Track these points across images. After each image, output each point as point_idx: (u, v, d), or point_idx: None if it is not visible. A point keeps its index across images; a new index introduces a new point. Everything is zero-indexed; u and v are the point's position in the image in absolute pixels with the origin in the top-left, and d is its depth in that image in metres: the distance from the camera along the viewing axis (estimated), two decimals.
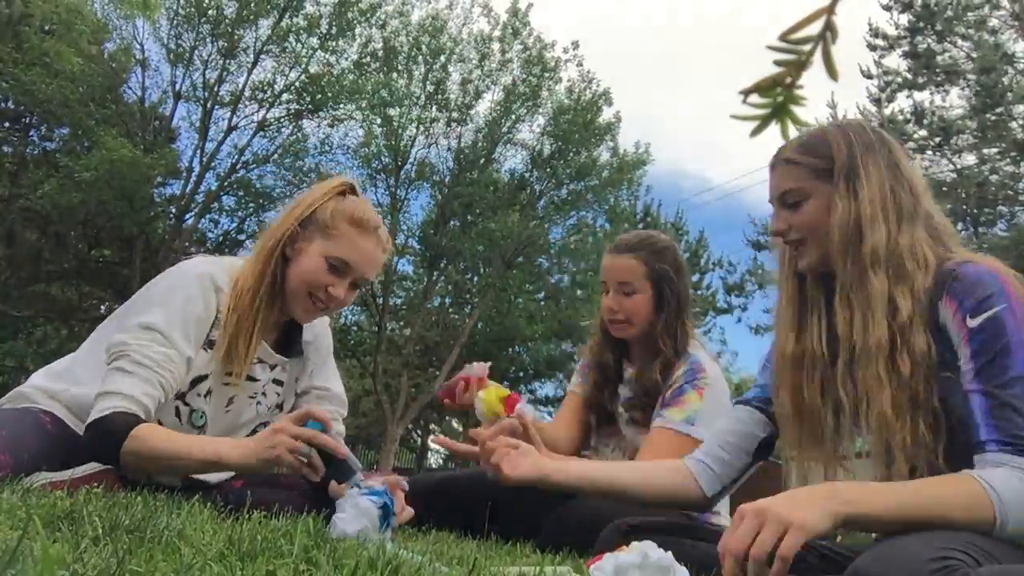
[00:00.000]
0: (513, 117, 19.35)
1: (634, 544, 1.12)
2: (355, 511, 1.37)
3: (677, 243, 2.43)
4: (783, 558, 1.05)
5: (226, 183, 18.09)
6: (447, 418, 24.81)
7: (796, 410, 1.46)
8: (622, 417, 2.28)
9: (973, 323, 1.23)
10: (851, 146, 1.40)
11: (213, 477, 1.79)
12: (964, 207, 16.76)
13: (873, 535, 1.47)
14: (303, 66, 17.69)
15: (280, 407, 1.95)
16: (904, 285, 1.31)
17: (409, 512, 1.64)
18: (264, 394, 1.90)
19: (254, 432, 1.91)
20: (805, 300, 1.48)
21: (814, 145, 1.43)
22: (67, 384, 1.78)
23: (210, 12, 16.75)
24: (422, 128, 19.18)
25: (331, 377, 2.04)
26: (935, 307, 1.30)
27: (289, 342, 1.93)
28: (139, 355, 1.62)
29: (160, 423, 1.73)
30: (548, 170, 19.60)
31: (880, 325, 1.29)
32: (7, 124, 18.34)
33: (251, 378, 1.85)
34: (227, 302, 1.76)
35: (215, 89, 17.48)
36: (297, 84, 17.79)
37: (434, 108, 19.15)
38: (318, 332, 2.01)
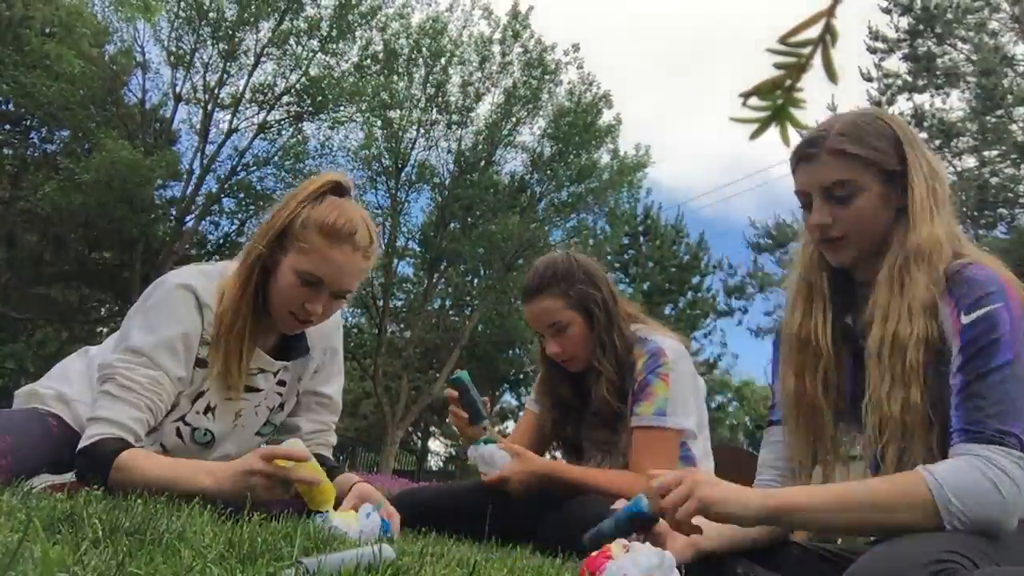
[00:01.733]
0: (513, 119, 19.35)
1: (633, 544, 1.14)
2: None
3: (568, 250, 2.35)
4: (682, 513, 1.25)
5: (226, 185, 18.09)
6: (447, 420, 24.78)
7: (797, 397, 1.45)
8: (593, 441, 2.24)
9: (967, 319, 1.23)
10: (895, 137, 1.37)
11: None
12: (964, 209, 16.76)
13: (871, 537, 1.47)
14: (303, 68, 17.70)
15: (282, 407, 1.94)
16: (933, 279, 1.30)
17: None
18: (266, 398, 1.90)
19: (257, 435, 1.91)
20: (814, 291, 1.46)
21: (865, 136, 1.37)
22: (75, 393, 1.80)
23: (210, 15, 16.75)
24: (422, 130, 19.19)
25: (334, 381, 2.01)
26: (936, 305, 1.30)
27: (289, 345, 1.89)
28: (125, 379, 1.62)
29: (163, 446, 1.73)
30: (548, 172, 19.60)
31: (918, 317, 1.28)
32: (8, 126, 18.35)
33: (254, 388, 1.84)
34: (212, 319, 1.73)
35: (215, 91, 17.49)
36: (297, 86, 17.80)
37: (434, 110, 19.16)
38: (324, 330, 1.93)
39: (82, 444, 1.59)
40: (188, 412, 1.75)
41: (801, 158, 1.41)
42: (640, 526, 1.38)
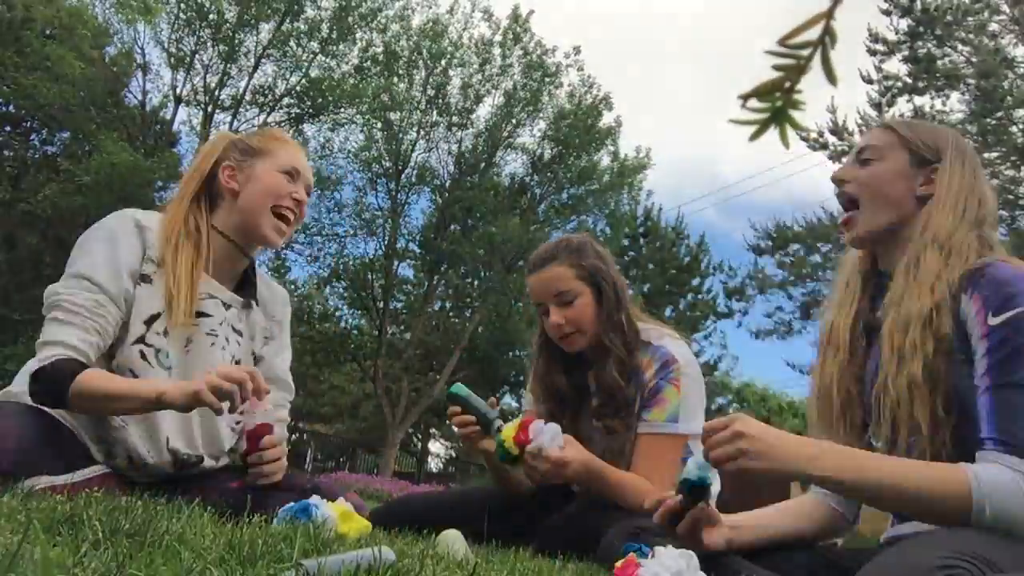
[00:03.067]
0: (514, 121, 19.37)
1: (657, 550, 1.15)
2: None
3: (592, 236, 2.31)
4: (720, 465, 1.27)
5: None
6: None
7: (821, 391, 1.52)
8: (595, 431, 2.10)
9: (995, 320, 1.22)
10: (947, 141, 1.46)
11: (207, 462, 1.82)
12: None
13: (880, 539, 1.47)
14: (304, 70, 17.72)
15: (238, 363, 1.91)
16: (948, 272, 1.33)
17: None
18: (226, 339, 1.88)
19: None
20: (847, 291, 1.55)
21: (918, 126, 1.49)
22: None
23: (211, 16, 16.77)
24: (423, 132, 19.22)
25: (281, 357, 2.03)
26: (957, 300, 1.30)
27: (244, 286, 1.96)
28: (70, 303, 1.66)
29: (132, 373, 1.73)
30: (549, 174, 19.62)
31: (926, 297, 1.31)
32: (8, 128, 18.36)
33: (203, 314, 1.84)
34: (154, 240, 1.79)
35: (216, 93, 17.50)
36: (298, 88, 17.81)
37: (435, 112, 19.18)
38: (275, 293, 2.05)
39: (36, 366, 1.62)
40: (147, 333, 1.75)
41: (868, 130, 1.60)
42: (700, 496, 1.37)
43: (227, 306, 1.89)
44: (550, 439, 1.81)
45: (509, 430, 1.85)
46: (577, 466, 1.84)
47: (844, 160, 1.55)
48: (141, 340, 1.75)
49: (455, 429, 2.06)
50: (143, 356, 1.75)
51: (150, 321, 1.76)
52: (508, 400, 23.71)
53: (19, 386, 1.81)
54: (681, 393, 2.01)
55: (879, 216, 1.44)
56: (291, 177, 1.92)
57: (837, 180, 1.48)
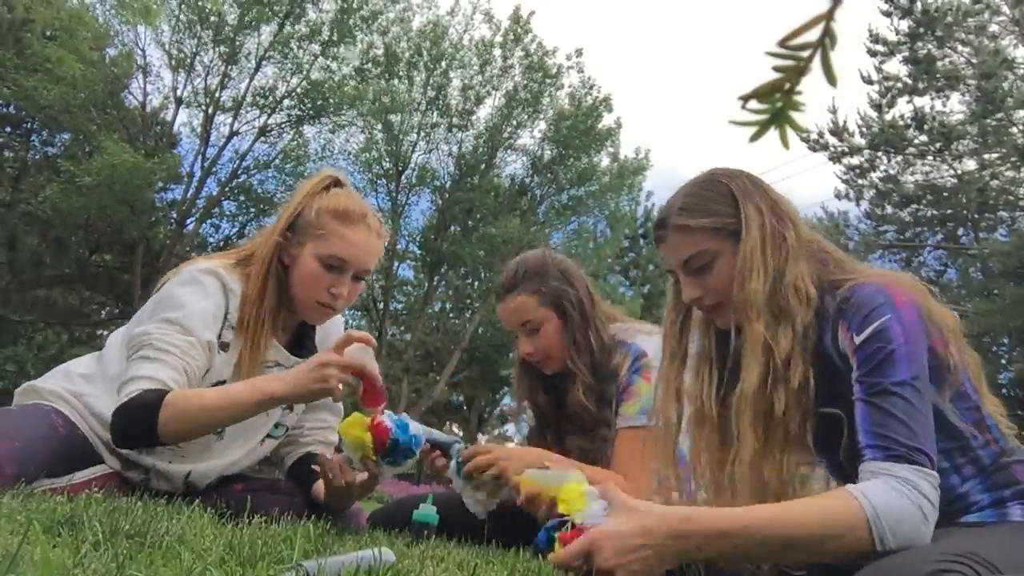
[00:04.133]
0: (514, 123, 19.38)
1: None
2: None
3: (544, 248, 2.27)
4: None
5: (227, 188, 18.12)
6: (448, 422, 24.78)
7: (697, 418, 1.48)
8: (574, 447, 2.12)
9: (859, 338, 1.24)
10: (735, 194, 1.38)
11: (214, 470, 1.80)
12: (965, 212, 16.77)
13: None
14: (304, 72, 17.73)
15: (291, 408, 1.93)
16: (786, 324, 1.30)
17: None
18: None
19: (267, 437, 1.91)
20: (704, 355, 1.48)
21: (708, 199, 1.39)
22: (90, 390, 1.77)
23: (212, 18, 16.78)
24: (423, 133, 19.23)
25: None
26: (832, 336, 1.30)
27: (302, 342, 1.91)
28: (161, 343, 1.63)
29: None
30: (549, 175, 19.63)
31: (753, 371, 1.29)
32: (9, 129, 18.37)
33: None
34: (236, 304, 1.76)
35: (216, 95, 17.51)
36: (298, 90, 17.82)
37: (435, 114, 19.19)
38: (329, 330, 1.98)
39: (120, 403, 1.57)
40: None
41: (656, 240, 1.46)
42: None
43: (288, 368, 1.86)
44: (471, 502, 1.84)
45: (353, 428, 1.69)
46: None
47: (671, 272, 1.45)
48: None
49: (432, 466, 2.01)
50: None
51: (213, 385, 1.74)
52: (508, 402, 23.70)
53: (44, 381, 1.81)
54: (651, 384, 2.01)
55: (737, 301, 1.38)
56: (334, 268, 1.78)
57: (694, 301, 1.41)
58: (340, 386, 1.57)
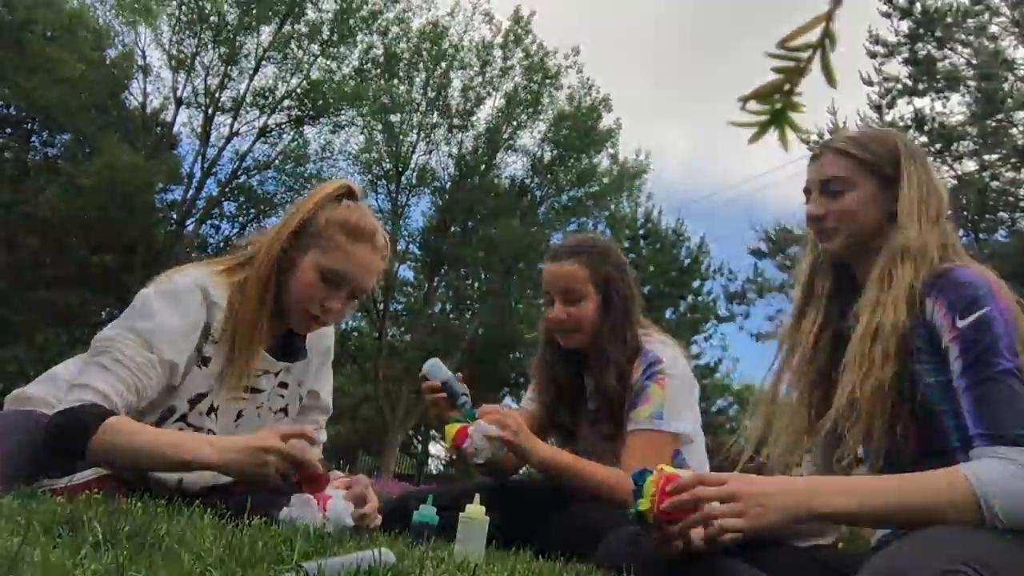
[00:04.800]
0: (514, 123, 19.40)
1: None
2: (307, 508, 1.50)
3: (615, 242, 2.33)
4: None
5: (227, 189, 18.13)
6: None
7: (786, 400, 1.59)
8: (591, 433, 2.15)
9: (963, 323, 1.31)
10: (899, 148, 1.51)
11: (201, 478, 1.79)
12: (965, 213, 16.76)
13: (871, 542, 1.47)
14: (304, 72, 17.74)
15: (285, 411, 1.92)
16: (918, 276, 1.40)
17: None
18: (268, 399, 1.88)
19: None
20: (812, 298, 1.59)
21: (869, 141, 1.53)
22: (62, 395, 1.75)
23: (212, 19, 16.80)
24: (423, 134, 19.24)
25: (324, 382, 2.01)
26: (923, 303, 1.38)
27: (290, 346, 1.88)
28: (120, 354, 1.58)
29: None
30: (549, 176, 19.64)
31: (901, 307, 1.38)
32: (9, 130, 18.37)
33: (256, 389, 1.82)
34: (221, 317, 1.71)
35: (216, 95, 17.53)
36: (298, 90, 17.84)
37: (435, 114, 19.21)
38: (322, 331, 1.94)
39: (62, 406, 1.53)
40: (189, 413, 1.73)
41: (811, 158, 1.59)
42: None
43: (277, 374, 1.85)
44: (480, 439, 1.91)
45: (450, 430, 1.97)
46: (535, 458, 1.96)
47: (808, 190, 1.58)
48: (183, 419, 1.72)
49: (428, 398, 2.12)
50: None
51: (195, 400, 1.72)
52: (508, 402, 23.70)
53: (34, 388, 1.81)
54: (665, 391, 2.04)
55: (856, 236, 1.51)
56: (332, 283, 1.73)
57: (815, 218, 1.53)
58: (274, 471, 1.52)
